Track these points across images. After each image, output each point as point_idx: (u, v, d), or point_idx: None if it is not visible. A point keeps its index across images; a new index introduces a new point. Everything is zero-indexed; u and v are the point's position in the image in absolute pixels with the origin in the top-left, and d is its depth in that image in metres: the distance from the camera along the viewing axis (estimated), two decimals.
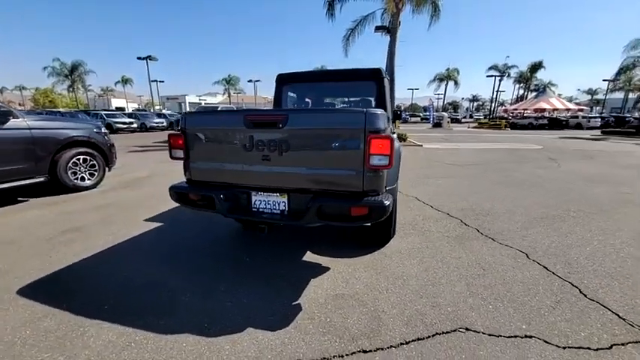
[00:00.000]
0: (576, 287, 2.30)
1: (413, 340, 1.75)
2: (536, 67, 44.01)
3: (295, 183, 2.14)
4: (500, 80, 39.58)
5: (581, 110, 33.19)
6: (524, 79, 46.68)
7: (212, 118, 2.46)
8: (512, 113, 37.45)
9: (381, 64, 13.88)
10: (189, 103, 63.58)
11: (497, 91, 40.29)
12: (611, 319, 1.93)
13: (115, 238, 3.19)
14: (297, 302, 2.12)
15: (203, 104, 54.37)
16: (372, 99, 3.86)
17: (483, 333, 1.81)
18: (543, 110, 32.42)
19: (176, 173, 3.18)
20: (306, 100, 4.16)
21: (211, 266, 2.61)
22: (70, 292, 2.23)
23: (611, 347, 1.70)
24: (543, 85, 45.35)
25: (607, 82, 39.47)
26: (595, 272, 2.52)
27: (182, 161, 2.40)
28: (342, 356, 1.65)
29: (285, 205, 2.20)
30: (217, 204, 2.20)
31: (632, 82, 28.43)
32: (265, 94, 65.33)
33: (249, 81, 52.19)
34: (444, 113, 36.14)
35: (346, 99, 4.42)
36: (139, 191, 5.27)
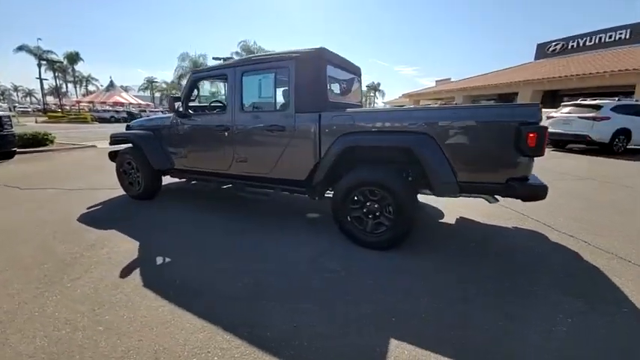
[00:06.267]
0: None
1: None
2: (73, 57, 39.33)
3: None
4: (39, 67, 33.06)
5: (148, 105, 38.80)
6: (61, 69, 39.90)
7: None
8: (90, 106, 35.28)
9: None
10: None
11: (41, 80, 33.77)
12: None
13: None
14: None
15: None
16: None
17: None
18: (122, 104, 33.96)
19: None
20: None
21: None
22: None
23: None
24: (85, 78, 46.84)
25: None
26: None
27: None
28: None
29: None
30: None
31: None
32: None
33: None
34: (3, 105, 29.41)
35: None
36: None
